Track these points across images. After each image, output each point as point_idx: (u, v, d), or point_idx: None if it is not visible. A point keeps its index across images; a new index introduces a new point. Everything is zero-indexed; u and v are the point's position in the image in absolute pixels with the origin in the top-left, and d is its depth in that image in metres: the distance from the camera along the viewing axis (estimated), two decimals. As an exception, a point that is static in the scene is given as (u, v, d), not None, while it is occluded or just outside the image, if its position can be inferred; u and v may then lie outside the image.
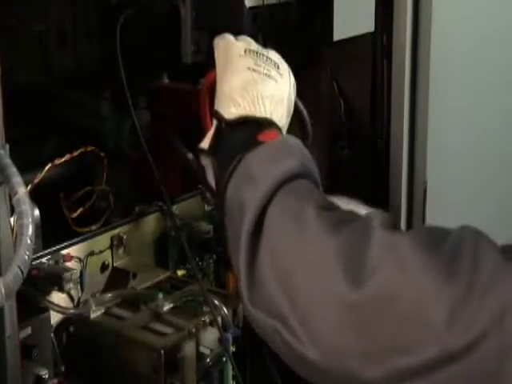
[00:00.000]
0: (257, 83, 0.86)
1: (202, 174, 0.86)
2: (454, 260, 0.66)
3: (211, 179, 0.85)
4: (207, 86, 0.97)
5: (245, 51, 0.89)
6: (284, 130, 0.87)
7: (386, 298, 0.67)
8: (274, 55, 0.91)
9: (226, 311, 1.11)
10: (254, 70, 0.87)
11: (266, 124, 0.84)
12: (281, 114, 0.87)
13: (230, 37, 0.93)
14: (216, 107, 0.87)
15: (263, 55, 0.89)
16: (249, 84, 0.86)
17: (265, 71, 0.87)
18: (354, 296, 0.68)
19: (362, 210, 0.84)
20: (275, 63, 0.90)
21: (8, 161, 0.82)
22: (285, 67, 0.91)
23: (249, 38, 0.94)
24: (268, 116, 0.85)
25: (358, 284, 0.68)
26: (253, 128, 0.83)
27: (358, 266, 0.68)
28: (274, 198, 0.76)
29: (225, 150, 0.83)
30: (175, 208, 1.24)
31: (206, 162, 0.86)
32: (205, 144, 0.85)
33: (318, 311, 0.71)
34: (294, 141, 0.83)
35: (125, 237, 1.17)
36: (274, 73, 0.88)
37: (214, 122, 0.85)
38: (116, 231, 1.17)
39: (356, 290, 0.68)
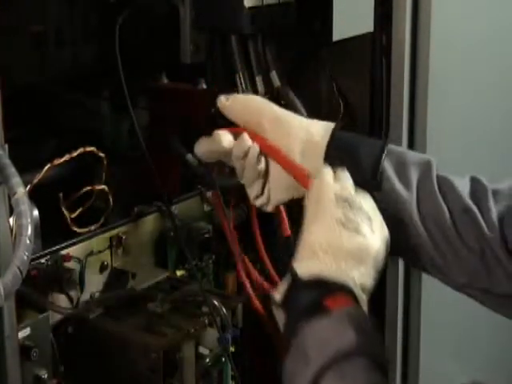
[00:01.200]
0: (342, 239, 0.82)
1: (274, 323, 0.86)
2: None
3: (282, 329, 0.84)
4: None
5: (337, 199, 0.84)
6: (366, 290, 0.83)
7: None
8: (368, 204, 0.85)
9: (225, 312, 1.11)
10: (342, 224, 0.82)
11: (339, 286, 0.81)
12: (363, 273, 0.82)
13: (327, 174, 0.87)
14: (295, 258, 0.84)
15: (356, 204, 0.84)
16: (334, 239, 0.82)
17: (354, 225, 0.83)
18: None
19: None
20: (368, 216, 0.84)
21: (7, 161, 0.82)
22: (377, 220, 0.85)
23: (346, 177, 0.87)
24: (348, 275, 0.81)
25: None
26: (324, 288, 0.80)
27: None
28: (323, 378, 0.76)
29: (292, 307, 0.82)
30: (174, 208, 1.23)
31: (277, 312, 0.84)
32: (278, 296, 0.83)
33: None
34: (356, 313, 0.80)
35: (124, 237, 1.17)
36: (364, 227, 0.83)
37: (289, 275, 0.83)
38: (115, 231, 1.16)
39: None
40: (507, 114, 1.78)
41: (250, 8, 1.15)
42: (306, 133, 0.92)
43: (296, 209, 1.18)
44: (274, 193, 0.94)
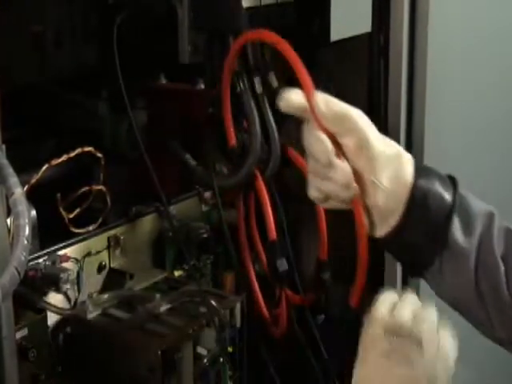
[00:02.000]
0: (386, 371, 0.82)
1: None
2: None
3: None
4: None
5: (385, 332, 0.82)
6: None
7: None
8: (425, 328, 0.82)
9: (222, 312, 1.11)
10: (387, 357, 0.82)
11: None
12: None
13: (383, 304, 0.84)
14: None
15: (405, 332, 0.82)
16: (380, 372, 0.82)
17: (399, 356, 0.81)
18: None
19: None
20: (418, 340, 0.81)
21: (5, 161, 0.83)
22: (433, 339, 0.82)
23: (409, 298, 0.86)
24: None
25: None
26: None
27: None
28: None
29: None
30: (172, 208, 1.23)
31: None
32: None
33: None
34: None
35: (122, 237, 1.17)
36: (411, 355, 0.81)
37: None
38: (113, 232, 1.16)
39: None
40: (507, 114, 1.78)
41: (248, 8, 1.15)
42: (394, 170, 0.89)
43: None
44: (332, 203, 0.92)
